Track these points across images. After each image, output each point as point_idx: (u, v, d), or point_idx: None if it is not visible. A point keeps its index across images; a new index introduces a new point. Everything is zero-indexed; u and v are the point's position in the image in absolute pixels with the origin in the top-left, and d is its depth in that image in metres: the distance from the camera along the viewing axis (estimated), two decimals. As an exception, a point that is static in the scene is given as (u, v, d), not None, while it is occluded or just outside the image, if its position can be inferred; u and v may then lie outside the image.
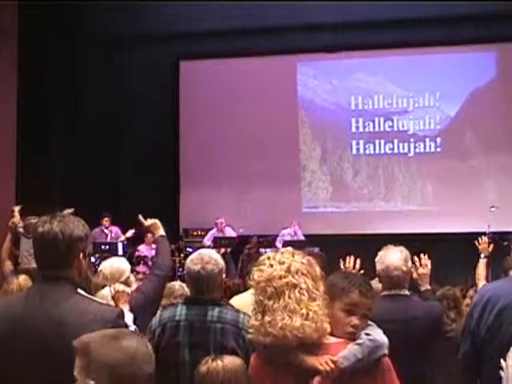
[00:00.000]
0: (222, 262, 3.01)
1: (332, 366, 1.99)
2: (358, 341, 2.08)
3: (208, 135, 12.19)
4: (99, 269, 3.85)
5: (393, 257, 3.19)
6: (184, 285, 4.27)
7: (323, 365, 1.99)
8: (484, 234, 9.83)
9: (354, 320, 2.12)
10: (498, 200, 10.69)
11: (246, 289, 5.24)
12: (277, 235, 11.04)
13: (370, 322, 2.21)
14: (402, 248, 3.27)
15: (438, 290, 4.44)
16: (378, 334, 2.13)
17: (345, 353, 2.03)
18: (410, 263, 3.23)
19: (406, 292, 3.23)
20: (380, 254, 3.26)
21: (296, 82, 12.28)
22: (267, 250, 10.86)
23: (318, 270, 2.12)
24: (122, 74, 12.24)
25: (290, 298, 2.00)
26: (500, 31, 10.99)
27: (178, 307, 2.97)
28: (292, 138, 12.20)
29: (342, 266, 3.56)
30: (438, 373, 3.26)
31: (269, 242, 11.09)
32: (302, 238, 10.98)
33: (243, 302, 4.47)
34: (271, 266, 2.07)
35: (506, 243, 8.91)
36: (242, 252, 11.11)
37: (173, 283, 4.65)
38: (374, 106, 12.03)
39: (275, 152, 11.89)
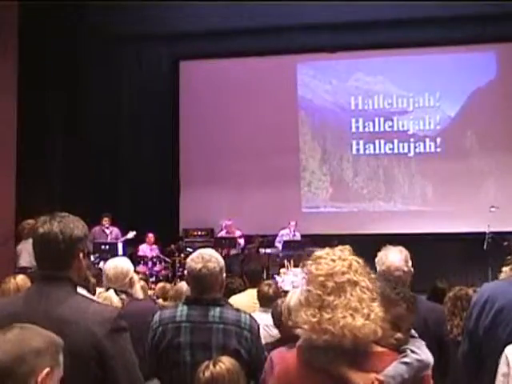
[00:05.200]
0: (222, 261, 2.99)
1: None
2: (406, 359, 2.02)
3: (208, 135, 12.19)
4: (103, 271, 3.83)
5: (393, 257, 3.18)
6: None
7: None
8: (484, 233, 9.92)
9: (399, 334, 2.09)
10: (498, 200, 10.70)
11: (245, 288, 5.26)
12: (277, 235, 11.05)
13: (413, 333, 2.18)
14: (401, 248, 3.26)
15: (450, 292, 4.44)
16: (424, 353, 2.09)
17: (391, 372, 1.95)
18: (410, 263, 3.23)
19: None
20: (380, 254, 3.24)
21: (296, 81, 12.28)
22: (267, 250, 10.89)
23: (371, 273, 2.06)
24: (121, 74, 12.23)
25: (352, 295, 1.91)
26: (500, 31, 10.98)
27: (179, 307, 2.95)
28: (292, 138, 12.20)
29: None
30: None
31: (269, 242, 11.09)
32: (299, 238, 10.99)
33: (240, 302, 4.49)
34: (333, 260, 1.97)
35: (506, 243, 8.93)
36: (242, 252, 11.12)
37: (181, 284, 4.62)
38: (374, 106, 12.03)
39: (275, 152, 11.89)
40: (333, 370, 1.90)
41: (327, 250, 2.03)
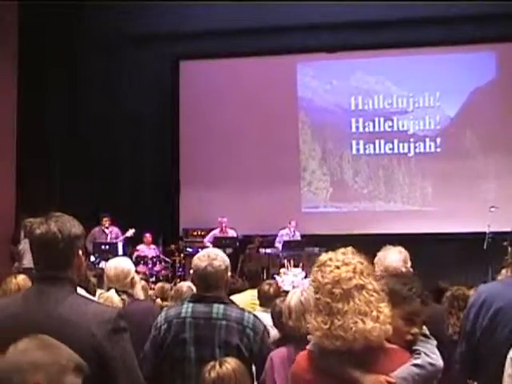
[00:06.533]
0: (227, 260, 3.04)
1: None
2: (418, 361, 2.01)
3: (208, 135, 12.19)
4: (104, 270, 3.83)
5: (392, 258, 3.18)
6: (192, 285, 4.24)
7: None
8: (484, 233, 9.91)
9: (415, 329, 2.10)
10: (498, 200, 10.69)
11: (245, 288, 5.26)
12: (277, 235, 11.05)
13: (426, 331, 2.18)
14: (400, 248, 3.26)
15: (448, 291, 4.44)
16: (438, 357, 2.08)
17: (403, 374, 1.94)
18: (409, 264, 3.22)
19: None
20: (379, 254, 3.24)
21: (296, 82, 12.27)
22: (267, 250, 10.89)
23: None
24: (121, 74, 12.22)
25: (359, 300, 1.93)
26: (500, 31, 10.99)
27: (184, 305, 3.00)
28: (292, 138, 12.19)
29: None
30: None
31: (269, 242, 11.09)
32: (299, 237, 10.98)
33: (241, 302, 4.48)
34: (337, 267, 1.97)
35: (506, 243, 8.91)
36: (243, 252, 11.11)
37: (181, 284, 4.62)
38: (374, 106, 12.03)
39: (275, 152, 11.89)
40: (344, 374, 1.92)
41: (330, 254, 2.04)
